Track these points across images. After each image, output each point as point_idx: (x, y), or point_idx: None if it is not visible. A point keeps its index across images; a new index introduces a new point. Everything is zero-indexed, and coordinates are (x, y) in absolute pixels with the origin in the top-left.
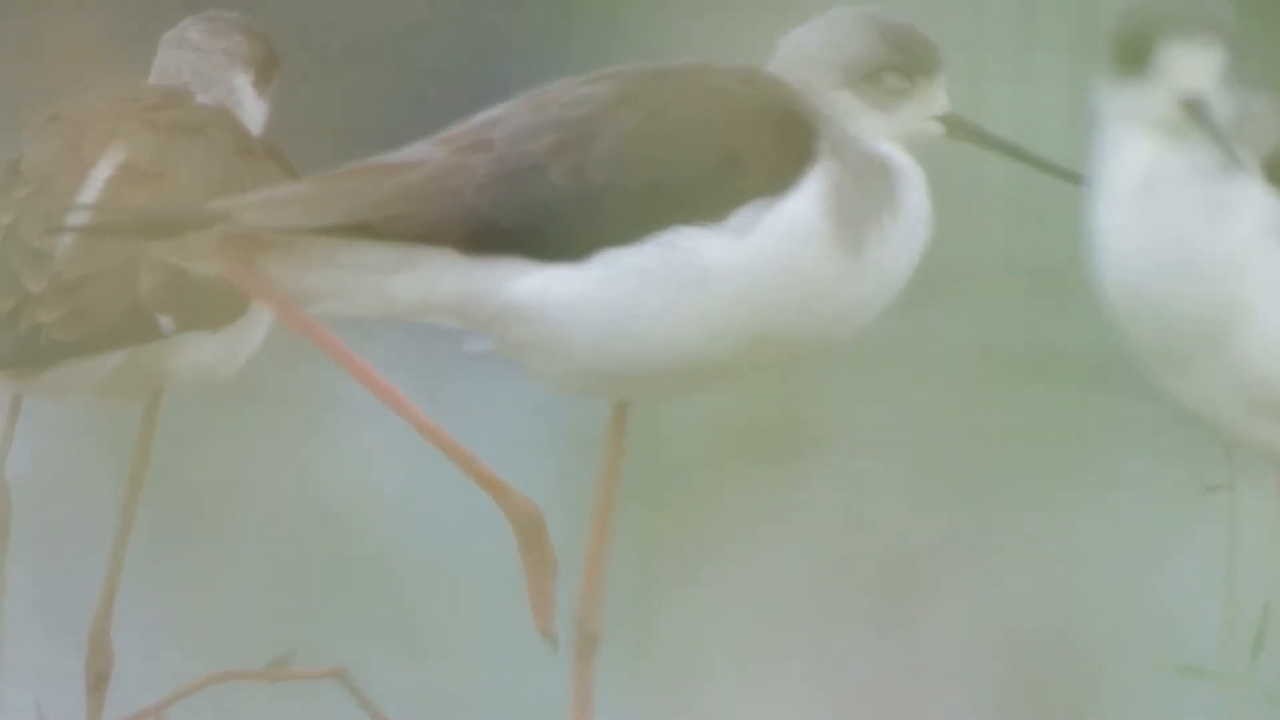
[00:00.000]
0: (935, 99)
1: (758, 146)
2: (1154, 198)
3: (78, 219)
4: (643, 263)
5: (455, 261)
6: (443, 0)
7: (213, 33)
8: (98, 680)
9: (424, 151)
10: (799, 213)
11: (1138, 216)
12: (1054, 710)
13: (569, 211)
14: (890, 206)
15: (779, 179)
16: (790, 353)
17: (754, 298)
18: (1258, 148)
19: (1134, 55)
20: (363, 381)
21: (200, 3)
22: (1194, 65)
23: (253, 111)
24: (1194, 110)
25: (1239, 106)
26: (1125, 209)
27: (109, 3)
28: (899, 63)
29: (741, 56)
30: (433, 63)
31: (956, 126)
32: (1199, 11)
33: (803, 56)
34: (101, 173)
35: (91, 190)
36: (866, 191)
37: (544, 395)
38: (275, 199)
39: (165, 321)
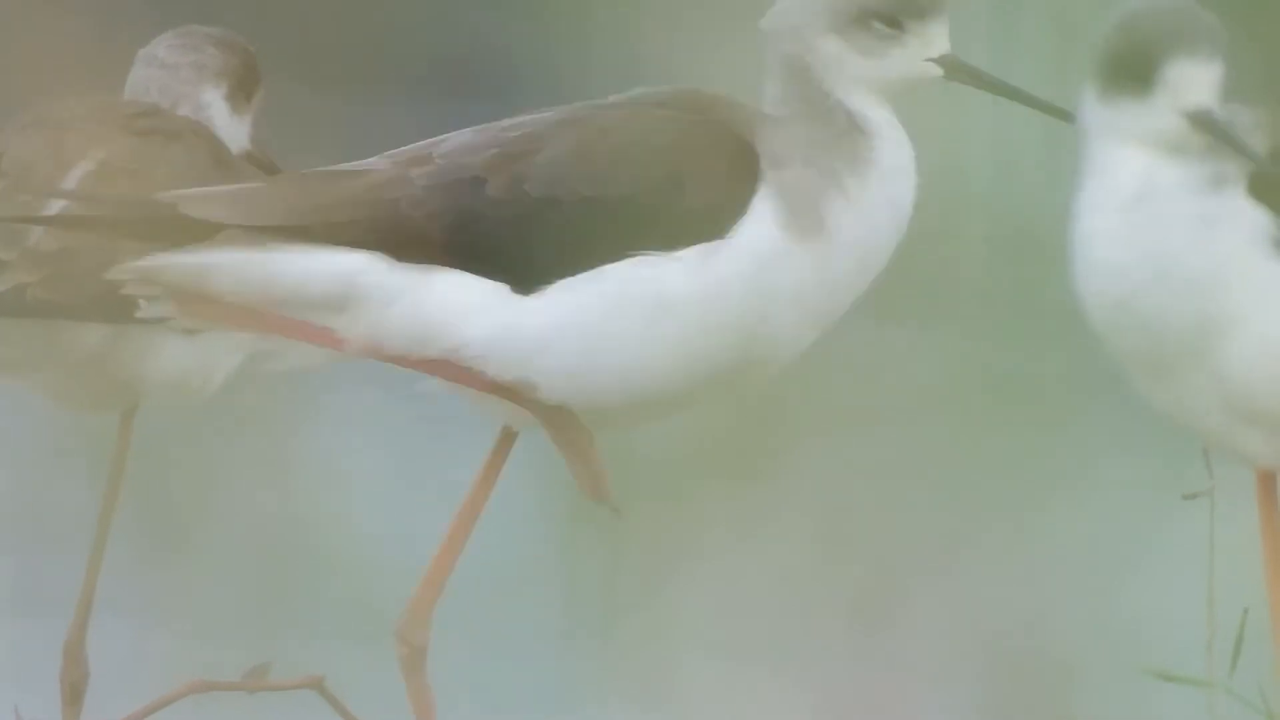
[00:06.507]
0: (931, 42)
1: (701, 172)
2: (1143, 211)
3: (45, 204)
4: (603, 291)
5: (400, 293)
6: (435, 11)
7: (182, 47)
8: (73, 692)
9: (371, 164)
10: (756, 236)
11: (1126, 228)
12: (1034, 716)
13: (505, 226)
14: (855, 164)
15: (725, 214)
16: (774, 354)
17: (718, 319)
18: (1243, 162)
19: (1134, 73)
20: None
21: (181, 18)
22: (1199, 80)
23: (227, 128)
24: (1206, 123)
25: (1226, 120)
26: (1113, 221)
27: (87, 18)
28: (886, 5)
29: (741, 70)
30: (421, 77)
31: (955, 68)
32: (1200, 28)
33: (794, 5)
34: (80, 169)
35: (69, 184)
36: (821, 162)
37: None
38: (221, 194)
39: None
